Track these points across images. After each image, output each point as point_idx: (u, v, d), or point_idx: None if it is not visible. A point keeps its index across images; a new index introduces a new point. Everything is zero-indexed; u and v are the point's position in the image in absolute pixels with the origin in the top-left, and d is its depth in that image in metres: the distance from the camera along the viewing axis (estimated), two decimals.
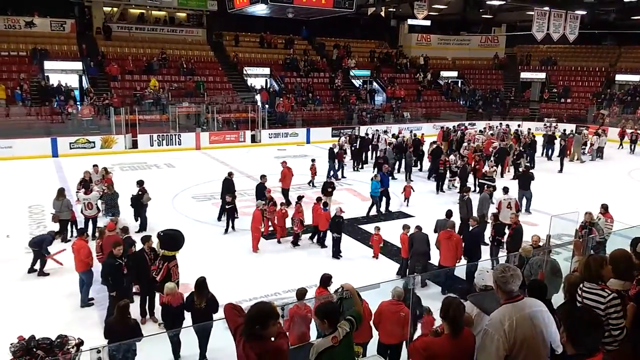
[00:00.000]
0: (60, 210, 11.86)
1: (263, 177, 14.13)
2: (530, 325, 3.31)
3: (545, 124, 29.31)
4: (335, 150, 18.95)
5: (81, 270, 9.01)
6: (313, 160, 17.65)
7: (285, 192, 15.34)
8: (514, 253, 8.63)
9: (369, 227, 13.40)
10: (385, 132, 25.10)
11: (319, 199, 12.58)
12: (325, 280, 7.26)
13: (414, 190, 15.73)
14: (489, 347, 3.35)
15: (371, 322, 6.70)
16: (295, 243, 12.10)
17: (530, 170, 16.29)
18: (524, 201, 15.10)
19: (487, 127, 27.22)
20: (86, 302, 9.03)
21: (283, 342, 3.54)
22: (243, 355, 3.45)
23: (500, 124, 28.29)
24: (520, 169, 20.09)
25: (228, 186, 14.15)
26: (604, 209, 11.14)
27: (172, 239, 8.34)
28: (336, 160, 18.89)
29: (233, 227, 12.97)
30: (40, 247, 10.20)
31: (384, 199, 14.90)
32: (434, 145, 20.40)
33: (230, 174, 14.65)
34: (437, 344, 3.61)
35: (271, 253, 11.76)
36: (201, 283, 7.30)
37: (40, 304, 8.98)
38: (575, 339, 2.71)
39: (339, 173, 19.09)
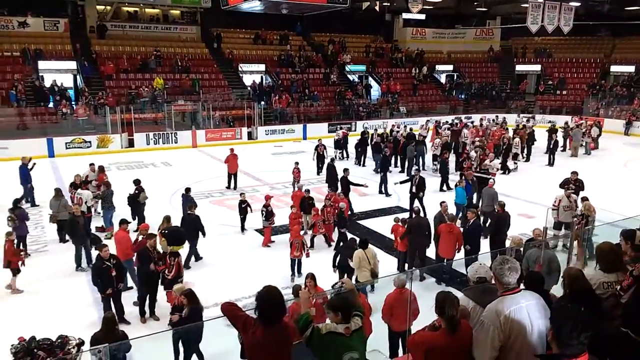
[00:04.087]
0: (58, 211, 11.85)
1: (346, 170, 14.58)
2: (526, 317, 3.34)
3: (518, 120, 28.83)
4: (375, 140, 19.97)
5: (124, 260, 9.13)
6: (296, 163, 16.67)
7: (230, 175, 16.74)
8: (510, 247, 8.67)
9: (367, 223, 13.51)
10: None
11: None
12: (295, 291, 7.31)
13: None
14: (484, 338, 3.39)
15: (370, 317, 6.74)
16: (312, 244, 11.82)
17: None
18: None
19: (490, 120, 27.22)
20: (126, 287, 9.17)
21: (288, 319, 3.82)
22: (263, 341, 3.61)
23: (497, 116, 28.30)
24: (516, 163, 20.27)
25: (332, 172, 15.25)
26: (586, 200, 11.12)
27: (178, 233, 8.51)
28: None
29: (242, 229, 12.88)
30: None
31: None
32: (445, 140, 20.36)
33: (332, 159, 16.16)
34: (434, 338, 3.63)
35: (270, 250, 11.81)
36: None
37: (40, 305, 8.99)
38: (560, 340, 2.70)
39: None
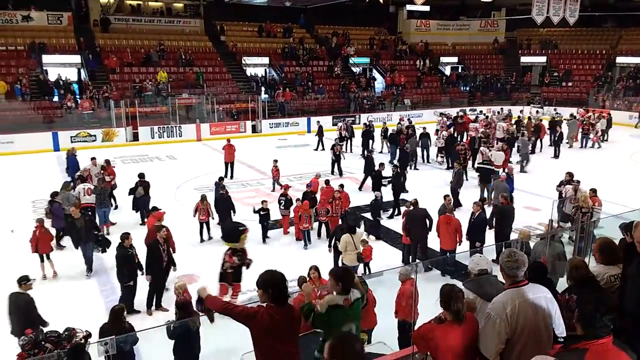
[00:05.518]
0: (62, 203, 11.89)
1: (381, 165, 14.66)
2: (533, 310, 3.35)
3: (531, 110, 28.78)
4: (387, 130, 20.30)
5: None
6: (275, 161, 16.15)
7: (227, 165, 17.40)
8: (517, 239, 8.65)
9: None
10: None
11: (327, 182, 13.07)
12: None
13: None
14: (491, 331, 3.40)
15: (370, 309, 6.76)
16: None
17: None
18: None
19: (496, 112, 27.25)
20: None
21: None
22: (272, 325, 3.69)
23: (502, 109, 28.21)
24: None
25: (370, 164, 15.64)
26: (593, 192, 11.12)
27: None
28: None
29: (264, 238, 11.85)
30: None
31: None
32: (449, 133, 20.35)
33: (371, 151, 16.99)
34: (440, 331, 3.65)
35: (276, 243, 11.83)
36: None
37: (47, 297, 9.03)
38: (585, 322, 2.74)
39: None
